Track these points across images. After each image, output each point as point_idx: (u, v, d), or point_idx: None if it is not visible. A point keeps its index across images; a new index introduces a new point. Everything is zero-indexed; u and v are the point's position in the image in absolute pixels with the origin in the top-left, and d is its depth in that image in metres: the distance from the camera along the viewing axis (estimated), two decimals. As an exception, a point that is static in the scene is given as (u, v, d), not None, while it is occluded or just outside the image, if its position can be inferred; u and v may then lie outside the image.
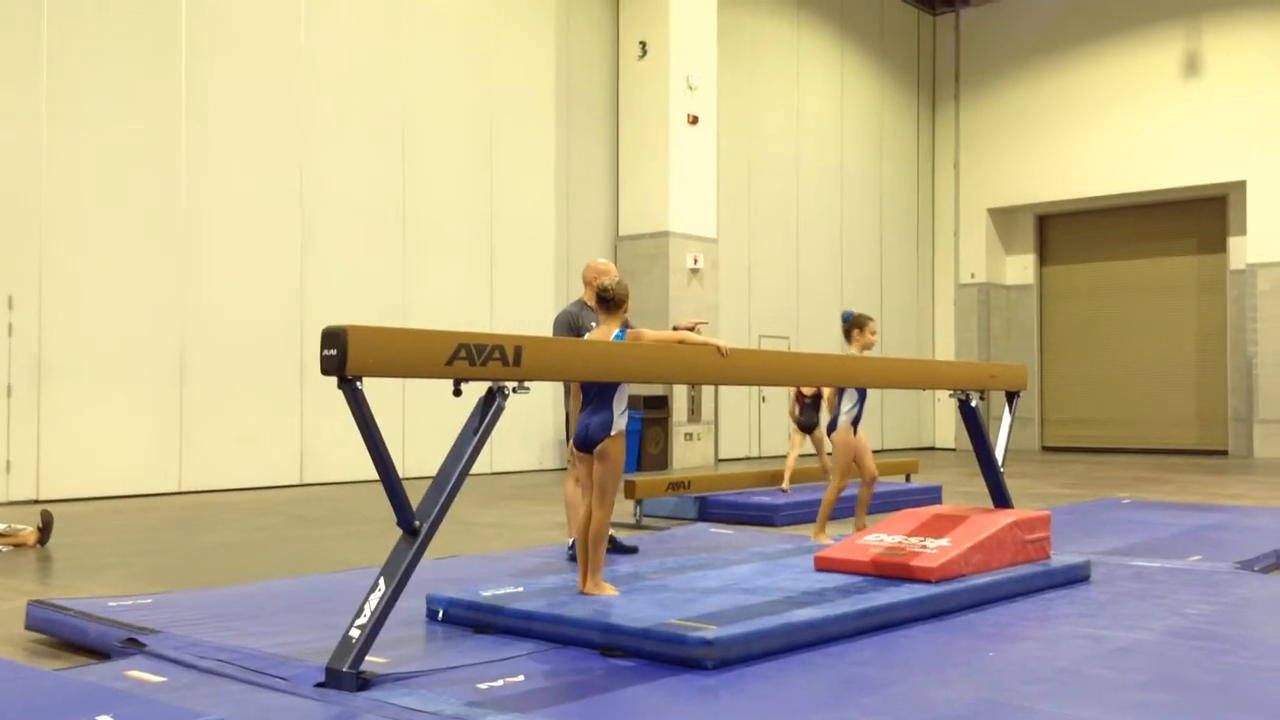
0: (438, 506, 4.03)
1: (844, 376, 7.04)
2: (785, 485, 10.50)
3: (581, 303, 6.79)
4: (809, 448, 10.74)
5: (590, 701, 3.67)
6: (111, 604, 5.08)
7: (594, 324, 6.04)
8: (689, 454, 16.97)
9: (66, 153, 11.29)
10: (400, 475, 4.00)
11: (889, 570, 5.43)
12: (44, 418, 11.07)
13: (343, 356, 3.68)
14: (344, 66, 13.72)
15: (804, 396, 10.26)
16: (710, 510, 9.68)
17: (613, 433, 4.99)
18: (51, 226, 11.19)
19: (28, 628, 4.90)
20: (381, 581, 3.94)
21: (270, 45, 13.00)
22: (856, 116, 22.47)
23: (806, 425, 10.29)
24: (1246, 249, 20.70)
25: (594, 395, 5.06)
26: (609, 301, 5.20)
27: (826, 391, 9.54)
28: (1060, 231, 23.96)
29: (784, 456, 19.88)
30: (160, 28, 12.02)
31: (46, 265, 11.14)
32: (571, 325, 6.56)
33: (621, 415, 5.03)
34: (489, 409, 4.19)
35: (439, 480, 4.11)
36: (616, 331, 5.17)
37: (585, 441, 5.05)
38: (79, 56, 11.41)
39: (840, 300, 21.72)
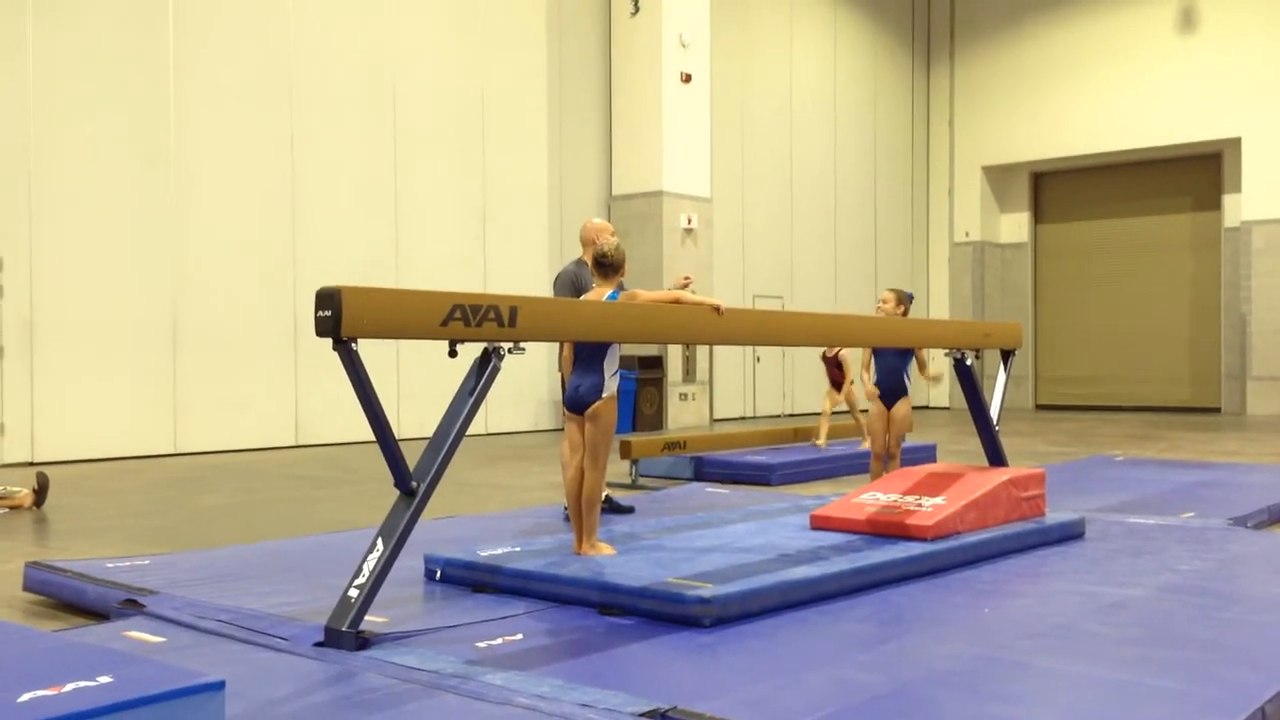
0: (435, 467, 4.03)
1: (837, 336, 7.05)
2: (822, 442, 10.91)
3: (580, 262, 6.75)
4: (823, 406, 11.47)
5: (589, 659, 3.69)
6: (109, 565, 5.09)
7: (594, 283, 6.02)
8: (684, 414, 16.99)
9: (55, 116, 11.19)
10: (396, 436, 4.00)
11: (884, 528, 5.45)
12: (37, 380, 11.04)
13: (337, 317, 3.66)
14: (333, 30, 13.57)
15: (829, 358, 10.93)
16: (706, 470, 9.71)
17: (604, 395, 4.99)
18: (41, 189, 11.11)
19: (25, 589, 4.92)
20: (379, 541, 3.94)
21: (259, 9, 12.85)
22: (850, 74, 22.32)
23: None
24: (1241, 206, 20.68)
25: (584, 356, 5.05)
26: (607, 266, 5.17)
27: (844, 352, 10.27)
28: (1055, 189, 23.90)
29: (777, 416, 20.04)
30: (147, -14, 11.88)
31: (37, 227, 11.07)
32: (573, 285, 6.52)
33: (613, 377, 5.03)
34: (485, 369, 4.18)
35: (436, 441, 4.11)
36: (610, 293, 5.16)
37: (576, 403, 5.05)
38: (66, 21, 11.27)
39: (835, 259, 21.69)
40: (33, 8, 11.05)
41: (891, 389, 7.48)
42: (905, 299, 7.48)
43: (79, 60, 11.35)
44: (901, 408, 7.51)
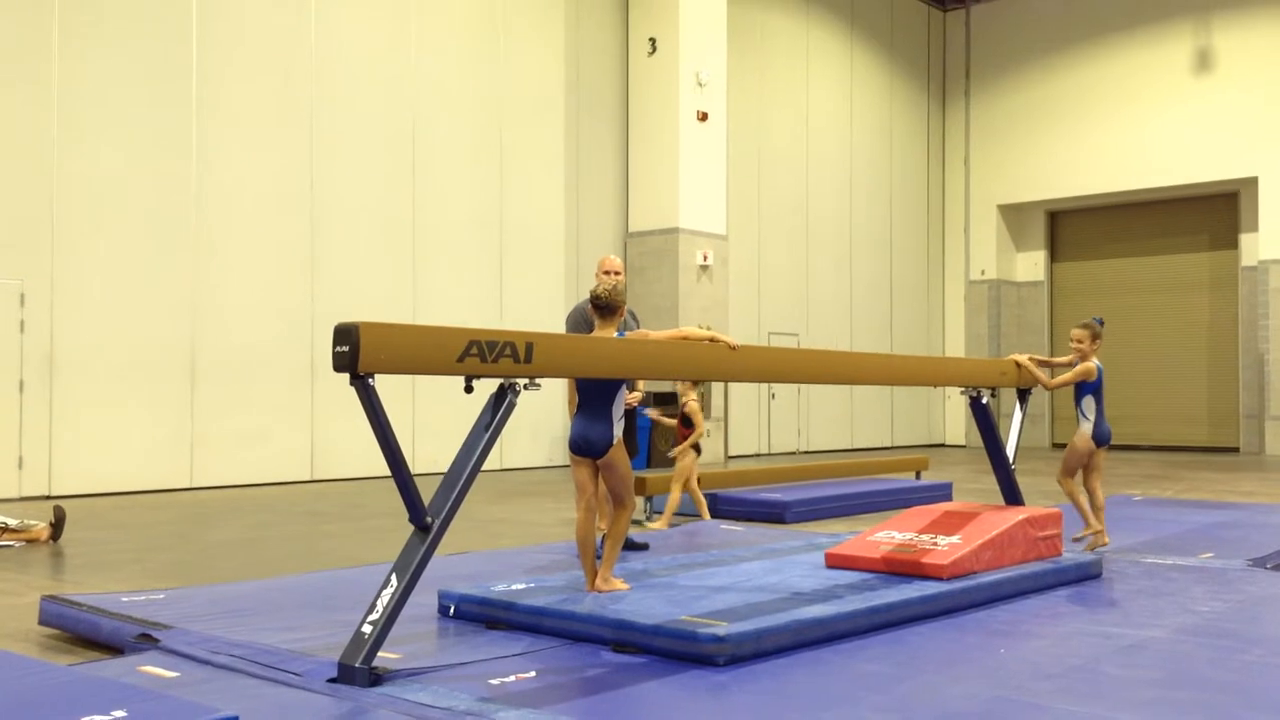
0: (449, 503, 4.04)
1: (854, 373, 7.04)
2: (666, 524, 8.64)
3: (593, 299, 6.77)
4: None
5: (602, 698, 3.67)
6: (125, 599, 5.10)
7: (596, 325, 6.04)
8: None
9: (78, 150, 11.33)
10: (411, 472, 4.01)
11: (900, 567, 5.42)
12: (56, 413, 11.11)
13: (355, 353, 3.69)
14: (354, 66, 13.73)
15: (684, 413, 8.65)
16: (720, 507, 9.68)
17: (614, 441, 4.99)
18: (63, 223, 11.23)
19: (41, 623, 4.92)
20: (394, 577, 3.95)
21: (280, 44, 13.01)
22: (866, 113, 22.43)
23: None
24: (1258, 245, 20.63)
25: (591, 401, 5.01)
26: (602, 307, 5.17)
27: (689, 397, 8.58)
28: (1071, 228, 23.90)
29: (792, 453, 19.97)
30: (171, 28, 12.05)
31: (58, 262, 11.18)
32: (586, 321, 6.54)
33: (619, 421, 5.02)
34: (500, 405, 4.20)
35: (450, 476, 4.12)
36: (614, 334, 5.15)
37: (586, 449, 5.02)
38: (90, 56, 11.44)
39: (850, 297, 21.70)
40: (58, 45, 11.22)
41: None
42: (1099, 330, 6.99)
43: (102, 97, 11.50)
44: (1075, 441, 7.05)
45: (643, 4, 17.04)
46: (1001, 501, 6.68)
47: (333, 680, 3.78)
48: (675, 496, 8.75)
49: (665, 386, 16.26)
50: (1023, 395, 6.99)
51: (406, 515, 4.01)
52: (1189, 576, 6.08)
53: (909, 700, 3.66)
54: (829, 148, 21.39)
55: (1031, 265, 24.10)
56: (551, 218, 16.05)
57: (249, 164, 12.65)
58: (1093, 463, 7.10)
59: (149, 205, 11.84)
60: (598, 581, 4.98)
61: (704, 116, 16.90)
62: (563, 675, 3.94)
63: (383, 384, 3.84)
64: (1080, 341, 6.97)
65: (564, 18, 16.31)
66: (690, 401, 8.63)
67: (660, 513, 9.11)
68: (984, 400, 6.58)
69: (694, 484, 8.84)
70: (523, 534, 8.48)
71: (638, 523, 8.72)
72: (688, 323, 15.95)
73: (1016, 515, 5.93)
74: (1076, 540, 6.76)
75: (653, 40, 16.87)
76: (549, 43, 16.12)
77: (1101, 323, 7.07)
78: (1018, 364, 6.79)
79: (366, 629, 3.84)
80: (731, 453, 18.35)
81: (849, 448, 20.99)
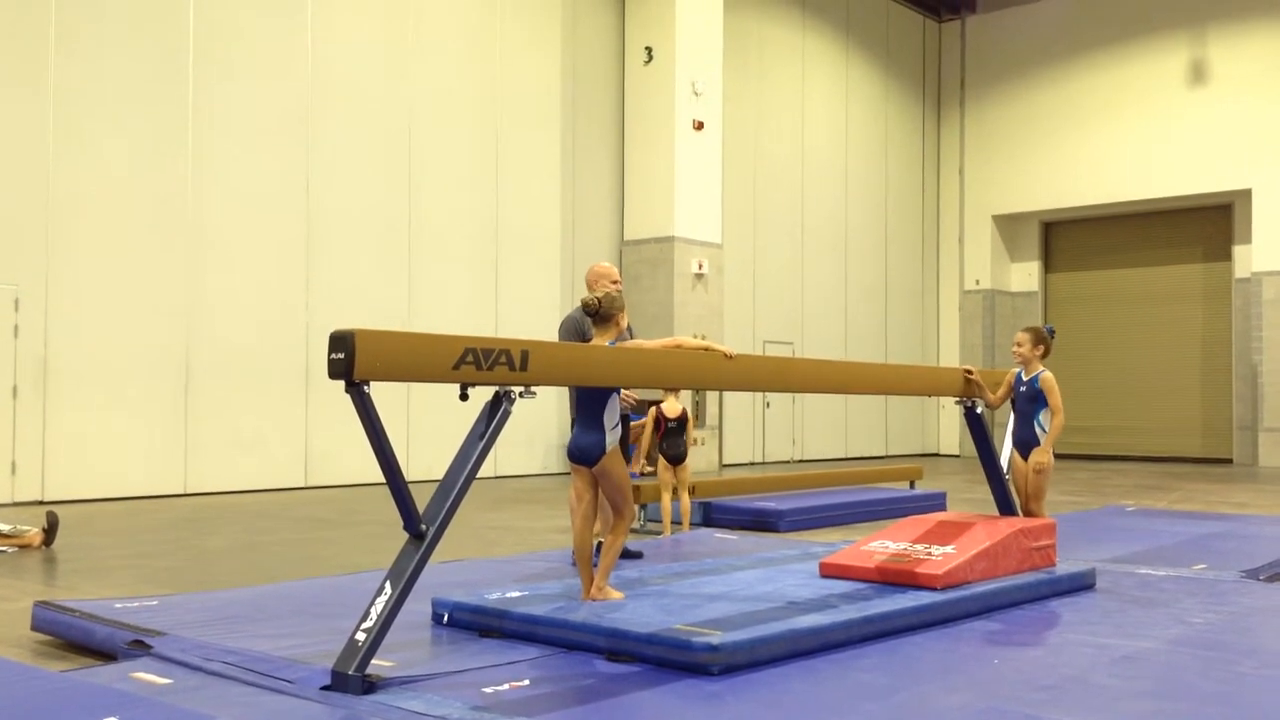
0: (444, 510, 4.04)
1: (848, 383, 7.04)
2: (668, 531, 8.58)
3: (585, 307, 6.76)
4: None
5: (595, 706, 3.67)
6: (118, 605, 5.08)
7: (593, 333, 6.02)
8: (693, 459, 16.93)
9: (73, 155, 11.32)
10: (405, 479, 4.00)
11: (894, 577, 5.42)
12: (49, 419, 11.09)
13: (350, 360, 3.69)
14: (350, 73, 13.74)
15: (667, 419, 8.29)
16: (715, 515, 9.69)
17: (607, 449, 4.96)
18: (58, 228, 11.22)
19: (34, 629, 4.91)
20: (388, 585, 3.94)
21: (277, 51, 13.03)
22: (861, 123, 22.49)
23: (676, 457, 8.38)
24: (1252, 257, 20.71)
25: (584, 409, 4.98)
26: (595, 316, 5.15)
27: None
28: (1065, 238, 23.96)
29: (787, 462, 19.96)
30: (167, 33, 12.06)
31: (53, 267, 11.17)
32: (579, 330, 6.54)
33: (613, 430, 4.98)
34: (495, 413, 4.20)
35: (445, 484, 4.12)
36: (609, 342, 5.13)
37: (582, 456, 5.01)
38: (86, 61, 11.44)
39: (845, 306, 21.73)
40: (54, 48, 11.22)
41: (1024, 440, 6.53)
42: (1045, 336, 6.44)
43: (98, 102, 11.50)
44: (1034, 457, 6.43)
45: (639, 13, 17.09)
46: (995, 512, 6.68)
47: (326, 688, 3.77)
48: (666, 504, 8.71)
49: (656, 395, 16.26)
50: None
51: (401, 522, 4.01)
52: (1182, 588, 6.09)
53: (903, 710, 3.66)
54: (824, 157, 21.44)
55: (1026, 276, 24.16)
56: (547, 225, 16.06)
57: (244, 168, 12.65)
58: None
59: (144, 210, 11.83)
60: (592, 590, 4.97)
61: (700, 125, 16.93)
62: (556, 684, 3.94)
63: (378, 391, 3.84)
64: (1021, 345, 6.42)
65: (560, 26, 16.34)
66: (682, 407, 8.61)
67: (655, 521, 9.11)
68: (978, 410, 6.59)
69: (669, 496, 8.63)
70: (517, 541, 8.48)
71: (636, 531, 8.72)
72: (683, 331, 15.96)
73: (1011, 526, 5.93)
74: None
75: (649, 49, 16.91)
76: (545, 51, 16.15)
77: (1053, 333, 6.58)
78: (967, 376, 6.47)
79: (360, 636, 3.83)
80: (726, 461, 18.35)
81: (843, 457, 21.00)
